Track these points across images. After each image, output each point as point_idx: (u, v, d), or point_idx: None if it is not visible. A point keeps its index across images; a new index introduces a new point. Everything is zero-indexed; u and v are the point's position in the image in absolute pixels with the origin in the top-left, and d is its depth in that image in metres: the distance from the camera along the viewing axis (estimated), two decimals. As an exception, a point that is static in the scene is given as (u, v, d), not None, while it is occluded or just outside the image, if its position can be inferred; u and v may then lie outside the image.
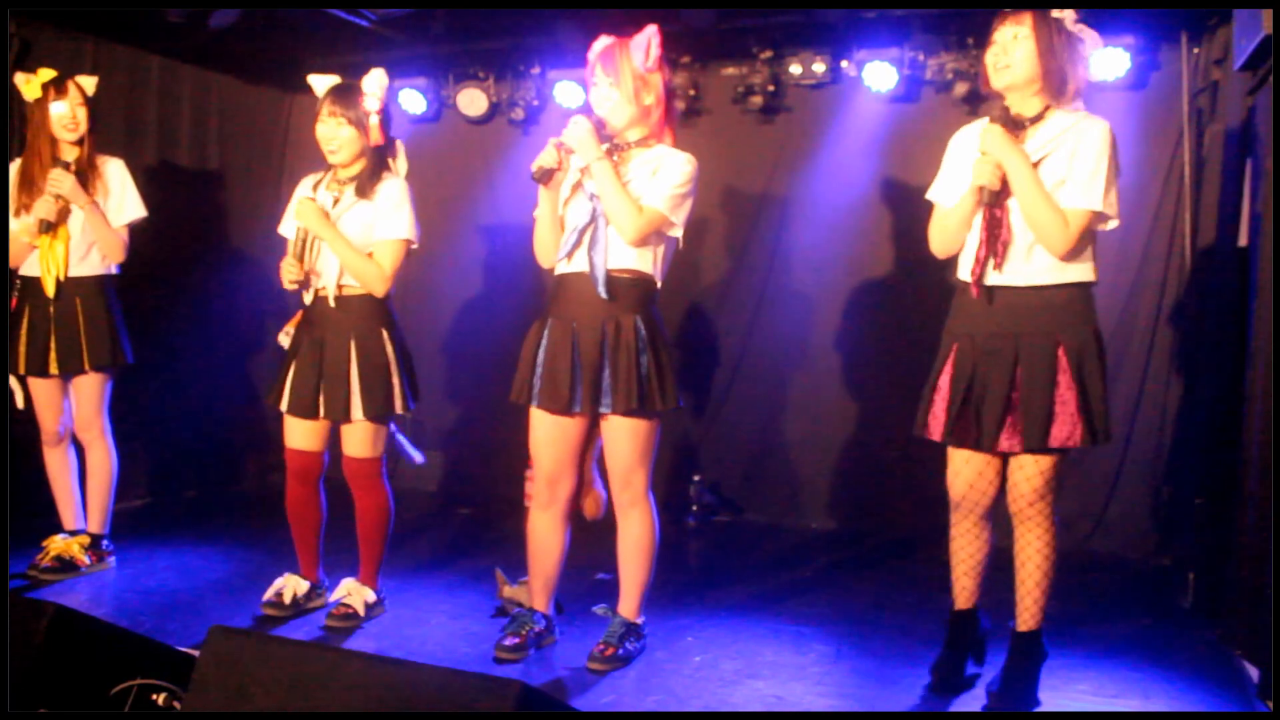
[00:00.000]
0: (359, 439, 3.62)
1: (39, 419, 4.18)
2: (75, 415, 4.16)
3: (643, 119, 3.27)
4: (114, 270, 4.17)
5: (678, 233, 3.26)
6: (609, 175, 3.17)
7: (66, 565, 4.11)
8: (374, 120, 3.55)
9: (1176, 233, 4.70)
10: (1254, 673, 3.27)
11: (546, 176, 3.23)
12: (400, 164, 3.70)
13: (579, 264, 3.25)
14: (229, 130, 5.90)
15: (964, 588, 3.18)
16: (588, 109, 3.28)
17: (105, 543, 4.25)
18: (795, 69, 5.16)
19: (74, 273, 4.06)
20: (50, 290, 4.02)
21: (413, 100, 5.84)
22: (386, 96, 3.60)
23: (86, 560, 4.16)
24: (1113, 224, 2.95)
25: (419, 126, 5.96)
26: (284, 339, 3.76)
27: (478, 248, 5.98)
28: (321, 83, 3.60)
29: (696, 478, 5.47)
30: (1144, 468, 4.79)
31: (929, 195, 3.16)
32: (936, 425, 3.03)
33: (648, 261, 3.26)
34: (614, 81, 3.22)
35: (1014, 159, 2.87)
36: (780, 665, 3.40)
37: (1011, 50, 2.89)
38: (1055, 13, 2.91)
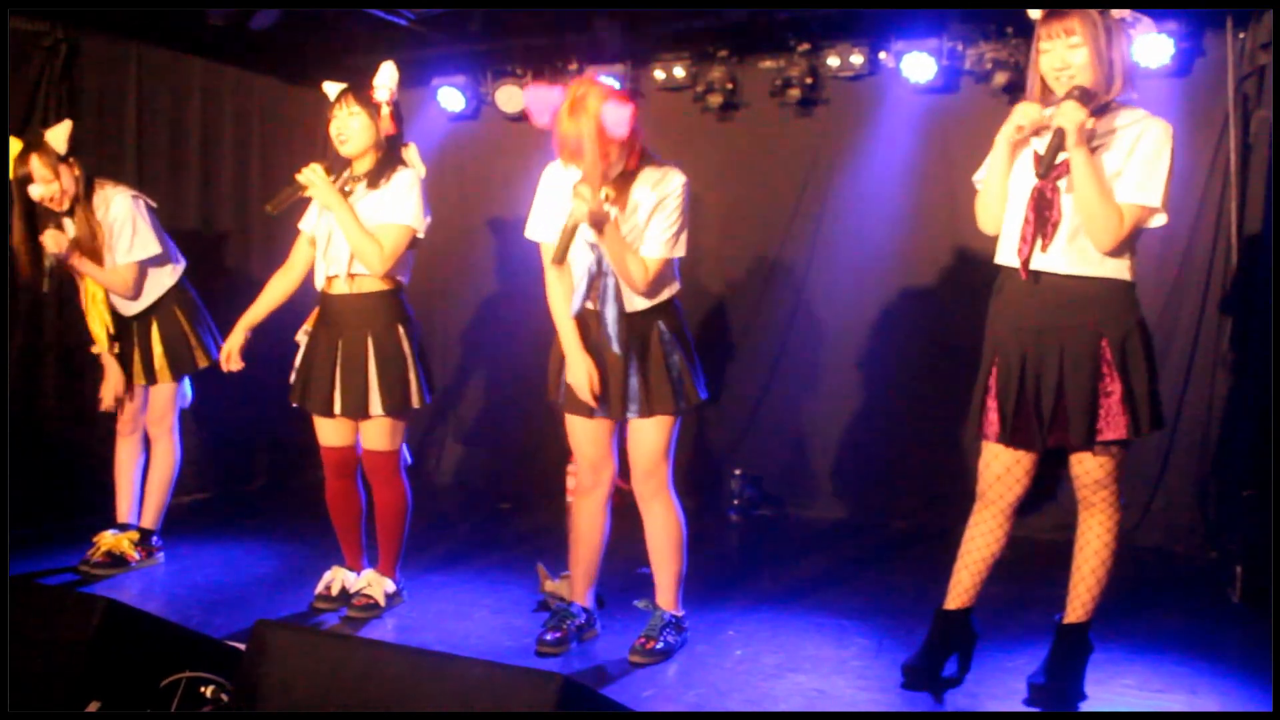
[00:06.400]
0: (377, 433, 3.67)
1: (117, 409, 4.31)
2: (149, 410, 4.27)
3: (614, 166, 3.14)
4: (178, 276, 4.24)
5: (680, 253, 3.25)
6: (615, 239, 3.12)
7: (117, 560, 4.19)
8: (385, 110, 3.60)
9: (1222, 222, 4.62)
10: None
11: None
12: (416, 165, 3.73)
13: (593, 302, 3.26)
14: (271, 131, 5.95)
15: (960, 583, 3.11)
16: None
17: (155, 539, 4.33)
18: (833, 61, 5.13)
19: (130, 312, 4.17)
20: (103, 345, 4.15)
21: (451, 98, 5.86)
22: (397, 90, 3.66)
23: (136, 555, 4.23)
24: (1161, 220, 2.88)
25: (458, 124, 5.99)
26: (301, 337, 3.80)
27: (518, 244, 5.97)
28: (333, 88, 3.68)
29: (738, 472, 5.46)
30: (1191, 460, 4.72)
31: (975, 177, 3.10)
32: (992, 428, 2.98)
33: (660, 291, 3.27)
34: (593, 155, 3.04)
35: (1081, 146, 2.78)
36: (822, 659, 3.40)
37: (1069, 58, 2.82)
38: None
